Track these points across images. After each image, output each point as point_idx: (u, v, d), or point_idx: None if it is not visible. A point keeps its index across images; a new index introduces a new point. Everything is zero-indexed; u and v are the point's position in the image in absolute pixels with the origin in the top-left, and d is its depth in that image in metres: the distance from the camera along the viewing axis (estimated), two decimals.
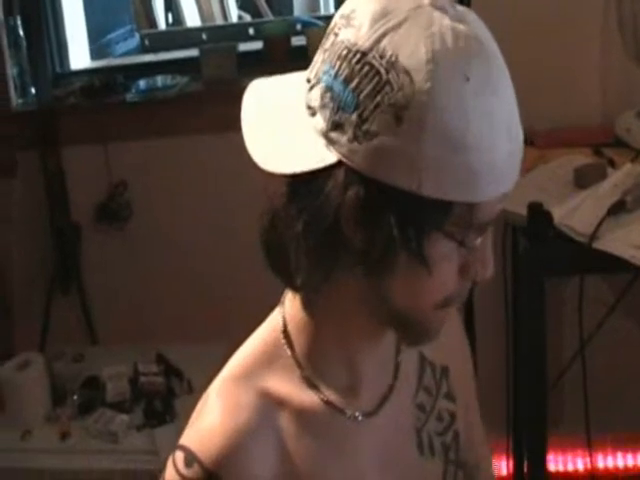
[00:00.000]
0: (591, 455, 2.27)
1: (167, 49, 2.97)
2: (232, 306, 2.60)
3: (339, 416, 0.96)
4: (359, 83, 0.80)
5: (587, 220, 1.78)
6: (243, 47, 2.76)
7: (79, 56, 2.92)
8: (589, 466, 2.45)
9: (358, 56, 0.81)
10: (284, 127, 0.88)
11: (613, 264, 1.72)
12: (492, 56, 0.82)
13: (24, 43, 2.67)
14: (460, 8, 0.83)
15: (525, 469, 2.21)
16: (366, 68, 0.80)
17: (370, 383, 0.98)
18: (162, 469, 0.93)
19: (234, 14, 4.06)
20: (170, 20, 3.91)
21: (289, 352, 0.95)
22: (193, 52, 2.72)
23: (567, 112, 2.34)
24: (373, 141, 0.80)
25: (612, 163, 2.07)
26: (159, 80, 2.69)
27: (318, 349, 0.95)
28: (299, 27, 2.83)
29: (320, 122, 0.84)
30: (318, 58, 0.87)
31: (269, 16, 4.00)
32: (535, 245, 1.79)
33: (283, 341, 0.96)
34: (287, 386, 0.94)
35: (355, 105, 0.80)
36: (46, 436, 2.20)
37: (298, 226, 0.85)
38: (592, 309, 2.02)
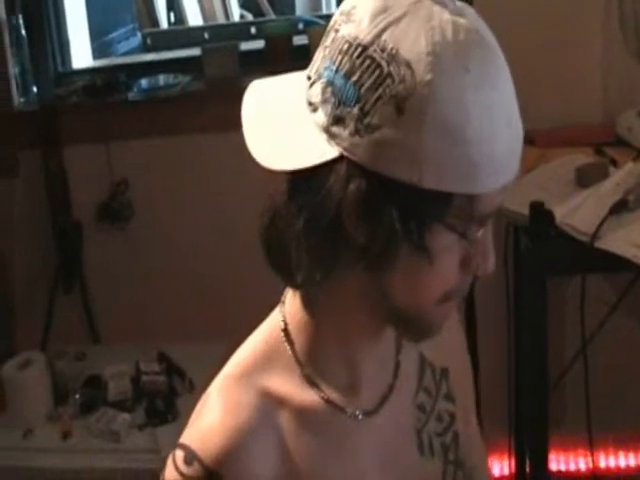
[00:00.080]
0: (593, 455, 2.28)
1: (169, 48, 2.98)
2: (234, 305, 2.60)
3: (339, 415, 0.96)
4: (360, 77, 0.81)
5: (589, 219, 1.77)
6: (245, 46, 2.76)
7: (81, 55, 2.93)
8: (591, 466, 2.45)
9: (359, 50, 0.81)
10: (284, 125, 0.89)
11: (615, 263, 1.72)
12: (492, 49, 0.83)
13: (26, 42, 2.67)
14: (459, 3, 0.84)
15: (527, 469, 2.22)
16: (367, 61, 0.81)
17: (370, 382, 0.98)
18: (163, 468, 0.93)
19: (236, 13, 4.06)
20: (172, 19, 3.91)
21: (289, 351, 0.95)
22: (195, 51, 2.72)
23: (568, 111, 2.34)
24: (375, 134, 0.80)
25: (614, 162, 2.07)
26: (161, 79, 2.69)
27: (318, 347, 0.95)
28: (301, 26, 2.83)
29: (321, 117, 0.84)
30: (318, 55, 0.87)
31: (271, 15, 4.00)
32: (537, 244, 1.79)
33: (283, 340, 0.96)
34: (287, 385, 0.94)
35: (356, 98, 0.81)
36: (48, 435, 2.20)
37: (299, 223, 0.85)
38: (594, 308, 2.02)
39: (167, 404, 2.22)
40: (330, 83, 0.84)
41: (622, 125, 2.20)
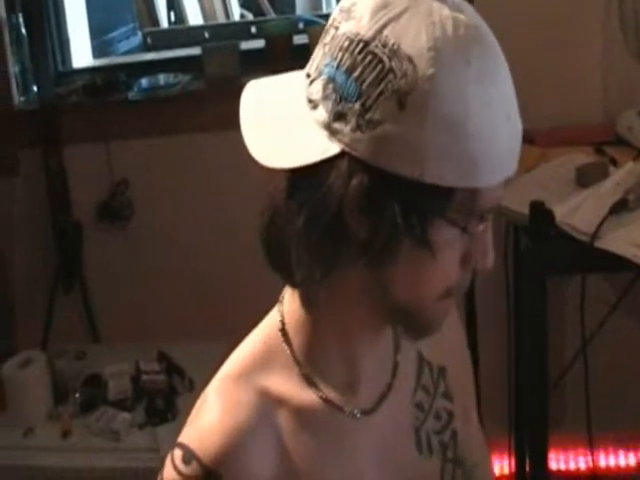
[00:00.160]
0: (593, 454, 2.28)
1: (169, 47, 2.98)
2: (233, 304, 2.60)
3: (338, 414, 0.96)
4: (362, 72, 0.81)
5: (589, 219, 1.77)
6: (245, 45, 2.76)
7: (81, 54, 2.93)
8: (591, 465, 2.45)
9: (360, 46, 0.82)
10: (283, 123, 0.89)
11: (615, 263, 1.71)
12: (491, 44, 0.83)
13: (26, 41, 2.67)
14: (457, 0, 0.85)
15: (527, 468, 2.22)
16: (369, 57, 0.81)
17: (369, 381, 0.98)
18: (162, 467, 0.93)
19: (236, 12, 4.06)
20: (172, 18, 3.91)
21: (288, 350, 0.96)
22: (195, 50, 2.72)
23: (568, 110, 2.34)
24: (376, 129, 0.81)
25: (614, 162, 2.06)
26: (161, 78, 2.69)
27: (317, 346, 0.95)
28: (301, 26, 2.83)
29: (322, 114, 0.85)
30: (317, 53, 0.88)
31: (271, 14, 4.00)
32: (537, 244, 1.79)
33: (281, 339, 0.96)
34: (286, 384, 0.94)
35: (358, 94, 0.81)
36: (48, 434, 2.20)
37: (299, 221, 0.85)
38: (594, 308, 2.02)
39: (167, 403, 2.22)
40: (331, 79, 0.84)
41: (622, 124, 2.20)
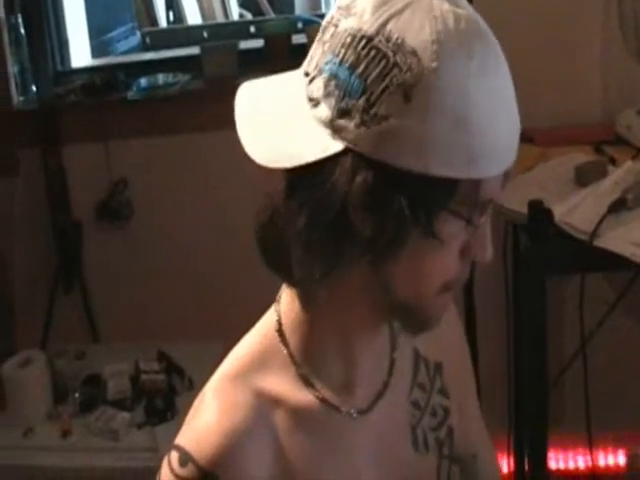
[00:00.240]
0: (592, 453, 2.27)
1: (168, 47, 2.97)
2: (233, 304, 2.60)
3: (334, 413, 0.96)
4: (366, 68, 0.81)
5: (588, 218, 1.77)
6: (244, 45, 2.76)
7: (80, 54, 2.93)
8: (590, 464, 2.45)
9: (364, 42, 0.82)
10: (282, 123, 0.88)
11: (614, 262, 1.71)
12: (490, 37, 0.84)
13: (25, 41, 2.67)
14: None
15: (526, 467, 2.22)
16: (372, 52, 0.81)
17: (365, 379, 0.99)
18: (159, 469, 0.93)
19: (235, 12, 4.06)
20: (171, 18, 3.91)
21: (284, 350, 0.96)
22: (194, 50, 2.72)
23: (568, 110, 2.34)
24: (382, 124, 0.81)
25: (613, 161, 2.06)
26: (160, 78, 2.69)
27: (314, 346, 0.95)
28: (300, 25, 2.83)
29: (325, 111, 0.84)
30: (316, 52, 0.87)
31: (270, 14, 4.00)
32: (536, 243, 1.79)
33: (278, 339, 0.96)
34: (283, 384, 0.94)
35: (362, 90, 0.82)
36: (47, 434, 2.21)
37: (300, 220, 0.85)
38: (593, 307, 2.02)
39: (166, 403, 2.22)
40: (333, 76, 0.84)
41: (621, 123, 2.20)
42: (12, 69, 2.68)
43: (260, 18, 3.77)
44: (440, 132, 0.80)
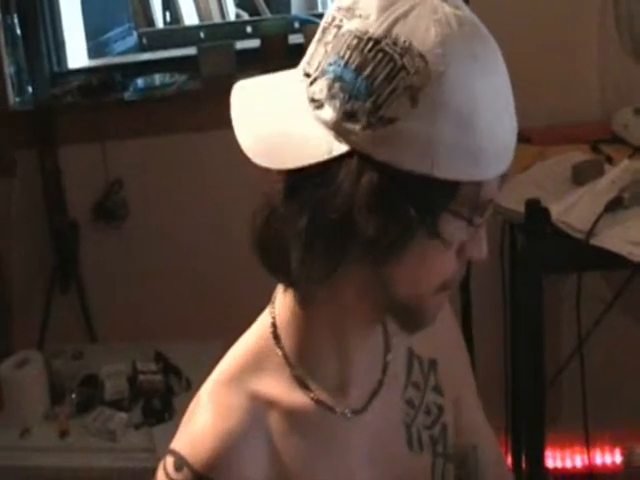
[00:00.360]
0: (589, 452, 2.27)
1: (165, 47, 2.98)
2: (230, 304, 2.60)
3: (329, 414, 0.96)
4: (373, 70, 0.82)
5: (585, 217, 1.77)
6: (241, 45, 2.76)
7: (77, 55, 2.92)
8: (587, 463, 2.45)
9: (371, 44, 0.82)
10: (281, 124, 0.88)
11: (611, 261, 1.72)
12: (490, 39, 0.85)
13: (21, 42, 2.67)
14: None
15: (523, 465, 2.22)
16: (379, 55, 0.82)
17: (360, 379, 0.99)
18: (155, 472, 0.93)
19: (232, 12, 4.06)
20: (168, 18, 3.90)
21: (279, 351, 0.96)
22: (191, 50, 2.72)
23: (565, 109, 2.34)
24: (388, 126, 0.81)
25: (610, 159, 2.07)
26: (157, 78, 2.69)
27: (309, 347, 0.96)
28: (297, 25, 2.84)
29: (329, 113, 0.84)
30: (317, 52, 0.87)
31: (267, 14, 4.00)
32: (533, 242, 1.79)
33: (273, 341, 0.96)
34: (277, 386, 0.95)
35: (369, 92, 0.82)
36: (45, 434, 2.20)
37: (302, 221, 0.85)
38: (590, 306, 2.02)
39: (164, 403, 2.22)
40: (338, 78, 0.84)
41: (618, 122, 2.20)
42: (8, 70, 2.67)
43: (257, 18, 3.77)
44: (446, 134, 0.81)
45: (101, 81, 2.66)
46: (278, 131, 0.88)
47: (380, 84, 0.81)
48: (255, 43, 2.73)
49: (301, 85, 0.88)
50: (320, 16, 2.90)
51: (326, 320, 0.95)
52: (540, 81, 2.28)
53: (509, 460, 2.50)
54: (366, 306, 0.93)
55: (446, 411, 1.09)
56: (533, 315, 1.83)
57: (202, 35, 2.95)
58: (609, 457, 2.64)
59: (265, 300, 1.02)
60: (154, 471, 0.94)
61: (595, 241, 1.73)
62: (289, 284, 0.95)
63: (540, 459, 1.96)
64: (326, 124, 0.84)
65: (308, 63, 0.88)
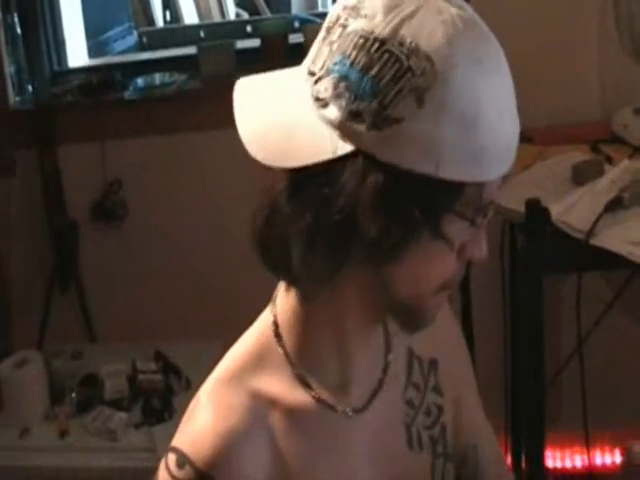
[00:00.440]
0: (589, 452, 2.28)
1: (165, 47, 2.97)
2: (230, 303, 2.60)
3: (330, 413, 0.96)
4: (379, 71, 0.82)
5: (584, 217, 1.77)
6: (241, 44, 2.76)
7: (77, 54, 2.92)
8: (587, 463, 2.45)
9: (377, 44, 0.82)
10: (285, 122, 0.87)
11: (611, 261, 1.71)
12: (493, 39, 0.85)
13: (21, 41, 2.67)
14: None
15: (523, 465, 2.22)
16: (386, 56, 0.82)
17: (361, 378, 0.99)
18: (156, 471, 0.93)
19: (232, 12, 4.06)
20: (168, 18, 3.90)
21: (280, 350, 0.96)
22: (191, 50, 2.72)
23: (565, 109, 2.34)
24: (393, 127, 0.81)
25: (609, 159, 2.07)
26: (157, 78, 2.69)
27: (311, 345, 0.96)
28: (297, 24, 2.83)
29: (334, 112, 0.84)
30: (321, 51, 0.87)
31: (267, 14, 4.00)
32: (533, 242, 1.79)
33: (274, 340, 0.96)
34: (278, 385, 0.95)
35: (374, 93, 0.82)
36: (45, 434, 2.20)
37: (304, 220, 0.85)
38: (590, 306, 2.02)
39: (164, 403, 2.22)
40: (344, 78, 0.83)
41: (618, 122, 2.21)
42: (8, 69, 2.67)
43: (257, 17, 3.77)
44: (451, 135, 0.81)
45: (101, 80, 2.66)
46: (281, 129, 0.87)
47: (386, 85, 0.81)
48: (255, 42, 2.73)
49: (305, 83, 0.88)
50: (320, 15, 2.90)
51: (327, 319, 0.95)
52: (540, 81, 2.28)
53: (509, 460, 2.50)
54: (367, 306, 0.93)
55: (446, 411, 1.09)
56: (533, 315, 1.83)
57: (202, 34, 2.95)
58: (609, 457, 2.64)
59: (265, 300, 1.02)
60: (154, 471, 0.94)
61: (595, 241, 1.73)
62: (290, 282, 0.94)
63: (540, 459, 1.96)
64: (331, 123, 0.84)
65: (312, 61, 0.88)
